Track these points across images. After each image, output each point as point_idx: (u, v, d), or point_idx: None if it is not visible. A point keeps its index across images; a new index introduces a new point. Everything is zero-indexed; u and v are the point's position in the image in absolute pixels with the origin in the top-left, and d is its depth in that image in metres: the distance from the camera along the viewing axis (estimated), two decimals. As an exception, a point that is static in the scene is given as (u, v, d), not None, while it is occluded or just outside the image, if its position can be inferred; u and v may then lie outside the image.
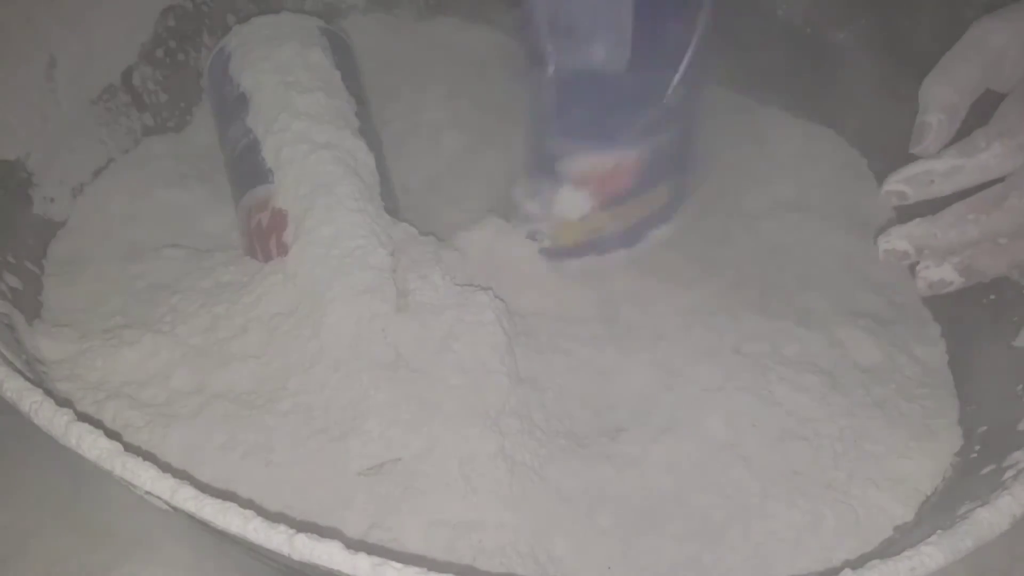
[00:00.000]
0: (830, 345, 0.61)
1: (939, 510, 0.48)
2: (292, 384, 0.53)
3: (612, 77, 0.55)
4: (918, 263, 0.51)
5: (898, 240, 0.50)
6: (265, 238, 0.59)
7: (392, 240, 0.58)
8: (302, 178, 0.59)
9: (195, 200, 0.68)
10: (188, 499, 0.37)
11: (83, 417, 0.40)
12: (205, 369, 0.55)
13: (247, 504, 0.37)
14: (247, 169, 0.62)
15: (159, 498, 0.38)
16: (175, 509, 0.38)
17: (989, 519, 0.38)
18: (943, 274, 0.50)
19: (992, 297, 0.58)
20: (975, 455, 0.51)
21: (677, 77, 0.57)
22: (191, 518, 0.38)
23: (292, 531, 0.36)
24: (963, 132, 0.51)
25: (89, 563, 0.53)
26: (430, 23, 0.85)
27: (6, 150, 0.60)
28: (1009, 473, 0.43)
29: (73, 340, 0.56)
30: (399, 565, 0.35)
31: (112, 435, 0.39)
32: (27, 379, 0.41)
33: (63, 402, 0.40)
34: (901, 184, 0.50)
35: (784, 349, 0.60)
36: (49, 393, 0.41)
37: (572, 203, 0.60)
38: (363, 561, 0.35)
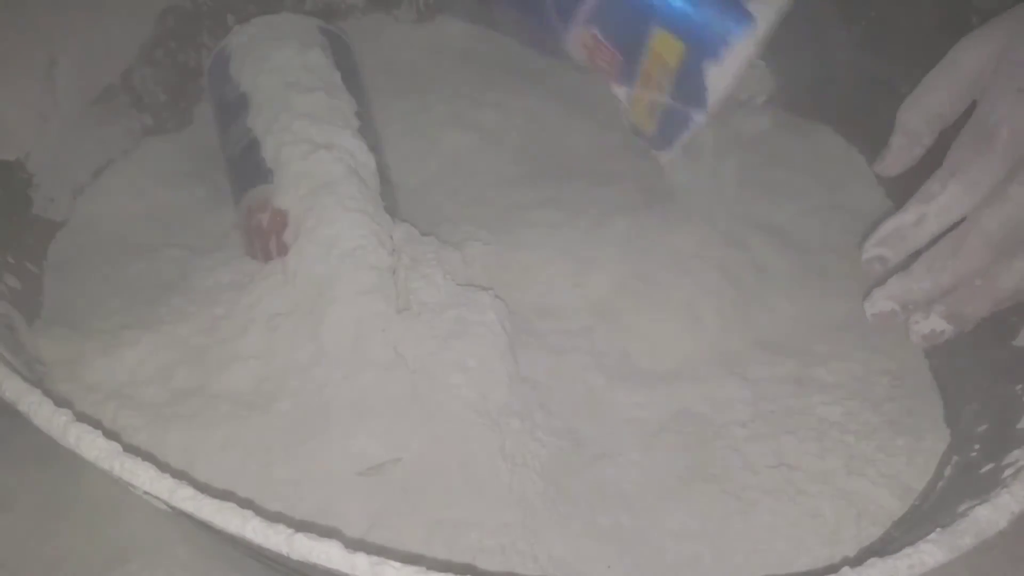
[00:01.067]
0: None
1: (938, 508, 0.47)
2: (292, 384, 0.53)
3: None
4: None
5: (881, 302, 0.50)
6: (265, 238, 0.59)
7: (392, 240, 0.58)
8: (302, 178, 0.59)
9: (195, 200, 0.68)
10: (186, 499, 0.37)
11: (82, 417, 0.40)
12: (205, 369, 0.55)
13: (246, 504, 0.37)
14: (247, 169, 0.62)
15: (157, 498, 0.37)
16: (174, 509, 0.38)
17: (988, 517, 0.38)
18: (933, 325, 0.49)
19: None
20: (975, 454, 0.51)
21: None
22: (191, 518, 0.38)
23: (291, 530, 0.36)
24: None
25: (89, 563, 0.53)
26: (430, 23, 0.85)
27: (6, 150, 0.60)
28: (1008, 471, 0.43)
29: (73, 341, 0.56)
30: (398, 564, 0.34)
31: (111, 435, 0.39)
32: (26, 379, 0.41)
33: (62, 402, 0.40)
34: (878, 248, 0.50)
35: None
36: (48, 393, 0.41)
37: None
38: (362, 560, 0.35)
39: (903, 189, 0.52)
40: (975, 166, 0.48)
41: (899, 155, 0.52)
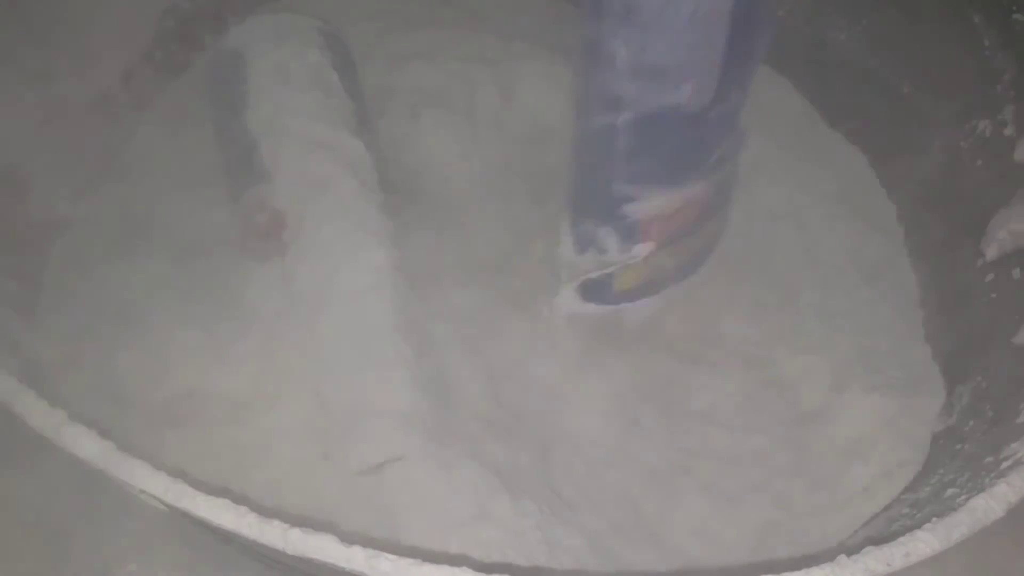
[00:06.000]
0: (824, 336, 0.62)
1: (936, 500, 0.47)
2: (291, 384, 0.53)
3: (692, 115, 0.51)
4: None
5: None
6: (263, 238, 0.59)
7: (390, 238, 0.58)
8: (300, 178, 0.59)
9: (193, 201, 0.68)
10: (182, 496, 0.37)
11: (77, 418, 0.40)
12: (203, 371, 0.55)
13: (242, 501, 0.37)
14: (245, 169, 0.62)
15: (153, 496, 0.37)
16: (170, 508, 0.38)
17: (984, 506, 0.38)
18: None
19: (993, 296, 0.58)
20: (974, 448, 0.51)
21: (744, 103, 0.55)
22: (188, 517, 0.38)
23: (286, 526, 0.36)
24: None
25: (89, 563, 0.53)
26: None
27: (6, 152, 0.60)
28: (1006, 463, 0.43)
29: (71, 343, 0.55)
30: (393, 556, 0.34)
31: (107, 436, 0.39)
32: (21, 380, 0.41)
33: (58, 403, 0.40)
34: None
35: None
36: (44, 395, 0.41)
37: (639, 246, 0.58)
38: (357, 553, 0.35)
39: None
40: None
41: None
